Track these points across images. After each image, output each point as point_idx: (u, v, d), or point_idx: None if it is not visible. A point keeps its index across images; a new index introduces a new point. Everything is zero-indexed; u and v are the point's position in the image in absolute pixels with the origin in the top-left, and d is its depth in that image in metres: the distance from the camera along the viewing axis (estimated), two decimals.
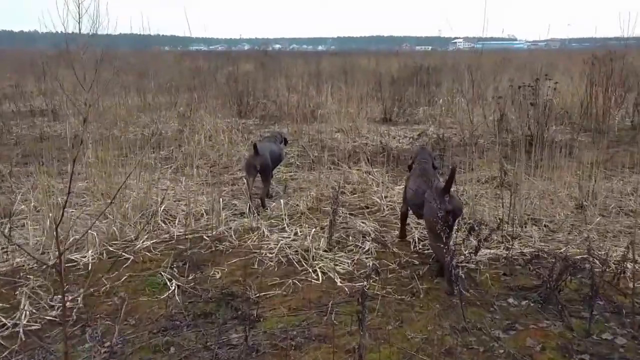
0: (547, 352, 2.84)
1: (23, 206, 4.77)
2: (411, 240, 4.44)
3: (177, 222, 4.83)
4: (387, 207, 5.25)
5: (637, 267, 3.76)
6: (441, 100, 12.49)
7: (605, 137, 7.87)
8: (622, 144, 8.39)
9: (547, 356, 2.80)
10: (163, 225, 4.74)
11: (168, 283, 3.62)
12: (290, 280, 3.68)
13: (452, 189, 3.74)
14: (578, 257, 3.99)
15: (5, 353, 2.86)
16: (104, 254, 4.07)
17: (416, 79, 14.01)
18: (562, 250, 4.16)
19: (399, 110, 11.19)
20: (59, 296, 3.38)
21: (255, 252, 4.17)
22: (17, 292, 3.40)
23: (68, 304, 3.31)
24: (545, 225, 4.75)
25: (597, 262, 3.74)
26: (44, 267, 3.68)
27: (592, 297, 3.16)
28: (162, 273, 3.74)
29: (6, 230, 4.03)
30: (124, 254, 4.08)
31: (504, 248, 4.24)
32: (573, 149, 6.48)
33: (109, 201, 4.26)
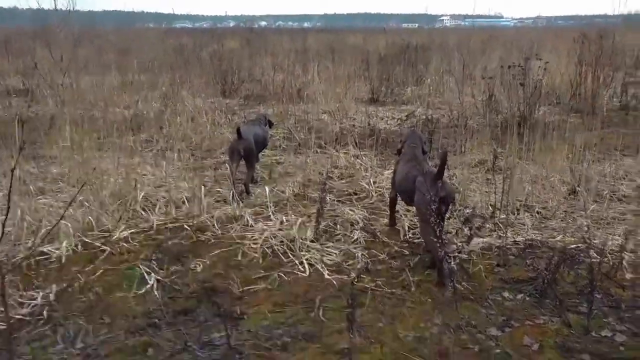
0: (545, 351, 2.71)
1: None
2: (401, 229, 4.29)
3: (157, 209, 4.62)
4: (375, 193, 5.08)
5: (634, 258, 3.67)
6: (429, 80, 12.29)
7: (596, 118, 7.76)
8: (612, 125, 8.27)
9: (546, 356, 2.67)
10: (143, 213, 4.53)
11: (146, 277, 3.43)
12: (276, 274, 3.50)
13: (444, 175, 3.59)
14: (573, 246, 3.89)
15: None
16: (79, 246, 3.85)
17: (404, 58, 13.78)
18: (557, 239, 4.04)
19: (386, 91, 10.98)
20: (30, 292, 3.19)
21: (239, 243, 3.98)
22: None
23: (39, 301, 3.12)
24: (537, 212, 4.62)
25: (594, 252, 3.64)
26: (14, 260, 3.47)
27: (590, 292, 3.03)
28: (140, 266, 3.55)
29: None
30: (100, 245, 3.88)
31: (496, 237, 4.10)
32: (563, 131, 6.33)
33: (83, 187, 4.07)
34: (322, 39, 20.27)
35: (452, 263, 3.64)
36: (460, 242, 3.77)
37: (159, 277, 3.43)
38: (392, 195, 4.28)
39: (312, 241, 3.94)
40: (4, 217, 2.62)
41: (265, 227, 4.22)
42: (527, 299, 3.24)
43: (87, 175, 4.79)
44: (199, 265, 3.64)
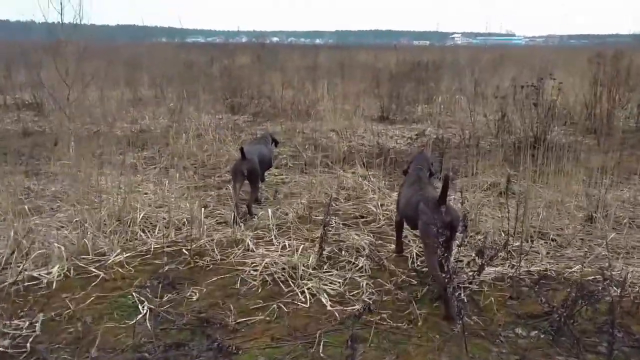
0: None
1: None
2: (408, 256, 4.10)
3: (157, 231, 4.47)
4: (383, 216, 4.90)
5: None
6: (440, 98, 12.13)
7: (611, 140, 7.54)
8: (628, 147, 8.04)
9: None
10: (142, 234, 4.38)
11: (139, 306, 3.26)
12: (275, 305, 3.31)
13: (448, 198, 3.40)
14: (590, 278, 3.68)
15: None
16: (71, 270, 3.69)
17: (415, 75, 13.64)
18: (573, 270, 3.82)
19: (396, 108, 10.83)
20: (15, 322, 3.03)
21: (238, 270, 3.80)
22: None
23: (24, 331, 2.95)
24: (552, 240, 4.40)
25: (613, 285, 3.42)
26: (2, 286, 3.31)
27: (610, 330, 2.82)
28: (134, 293, 3.38)
29: None
30: (93, 270, 3.71)
31: (509, 266, 3.89)
32: (578, 153, 6.11)
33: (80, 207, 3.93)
34: (333, 55, 20.20)
35: (462, 294, 3.45)
36: (471, 271, 3.57)
37: (152, 306, 3.25)
38: (398, 219, 4.09)
39: (314, 269, 3.75)
40: None
41: (266, 252, 4.04)
42: (542, 336, 3.03)
43: (86, 195, 4.66)
44: (195, 294, 3.45)
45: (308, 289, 3.48)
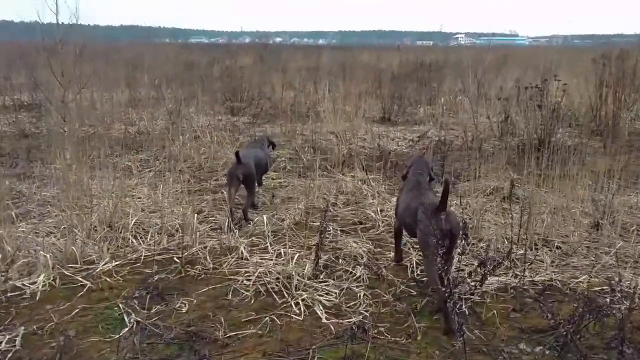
0: None
1: None
2: (408, 264, 3.95)
3: (149, 237, 4.33)
4: (382, 222, 4.75)
5: None
6: (443, 100, 11.97)
7: (617, 142, 7.38)
8: (635, 150, 7.88)
9: None
10: (134, 241, 4.24)
11: (126, 318, 3.12)
12: (267, 317, 3.17)
13: (449, 204, 3.26)
14: (597, 288, 3.53)
15: None
16: (57, 280, 3.55)
17: (417, 76, 13.49)
18: (579, 280, 3.67)
19: (398, 110, 10.68)
20: None
21: (231, 279, 3.65)
22: None
23: (3, 346, 2.81)
24: (557, 247, 4.25)
25: (621, 297, 3.26)
26: None
27: (619, 345, 2.68)
28: (120, 305, 3.24)
29: None
30: (80, 279, 3.57)
31: (512, 275, 3.74)
32: (584, 156, 5.94)
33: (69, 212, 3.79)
34: (336, 56, 20.07)
35: (463, 306, 3.31)
36: (473, 282, 3.42)
37: (139, 319, 3.11)
38: (397, 226, 3.94)
39: (310, 278, 3.61)
40: None
41: (260, 260, 3.90)
42: (547, 352, 2.88)
43: (77, 200, 4.52)
44: (185, 305, 3.31)
45: (303, 300, 3.34)
